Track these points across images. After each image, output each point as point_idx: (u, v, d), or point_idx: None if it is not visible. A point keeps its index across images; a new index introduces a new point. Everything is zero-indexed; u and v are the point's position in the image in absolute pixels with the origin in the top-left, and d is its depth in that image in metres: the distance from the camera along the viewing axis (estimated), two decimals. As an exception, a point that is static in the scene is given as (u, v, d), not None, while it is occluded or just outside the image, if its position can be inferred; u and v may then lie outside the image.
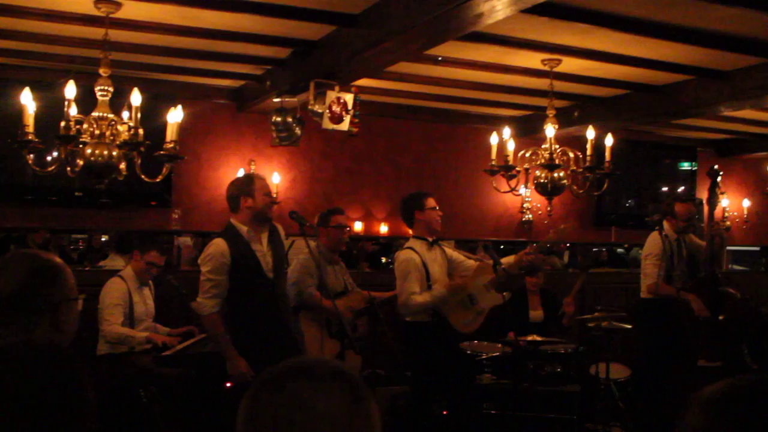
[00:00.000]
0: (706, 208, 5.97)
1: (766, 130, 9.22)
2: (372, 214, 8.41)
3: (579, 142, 6.35)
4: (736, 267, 11.25)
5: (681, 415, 1.18)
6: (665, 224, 6.03)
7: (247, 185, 4.28)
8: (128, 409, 4.76)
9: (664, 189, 10.50)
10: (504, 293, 4.94)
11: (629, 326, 5.45)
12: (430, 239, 5.06)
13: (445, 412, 4.90)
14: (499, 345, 5.38)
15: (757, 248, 11.52)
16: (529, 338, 5.48)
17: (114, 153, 4.40)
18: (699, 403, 1.16)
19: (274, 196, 7.58)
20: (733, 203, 10.56)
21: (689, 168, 10.55)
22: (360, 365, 5.30)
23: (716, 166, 5.93)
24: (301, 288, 4.96)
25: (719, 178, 5.85)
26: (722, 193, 6.06)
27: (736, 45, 5.51)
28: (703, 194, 9.85)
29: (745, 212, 10.68)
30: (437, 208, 5.06)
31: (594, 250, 11.48)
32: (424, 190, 5.49)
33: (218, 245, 4.20)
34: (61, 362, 1.32)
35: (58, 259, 1.99)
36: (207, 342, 4.99)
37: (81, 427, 1.29)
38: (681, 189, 10.49)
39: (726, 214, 10.40)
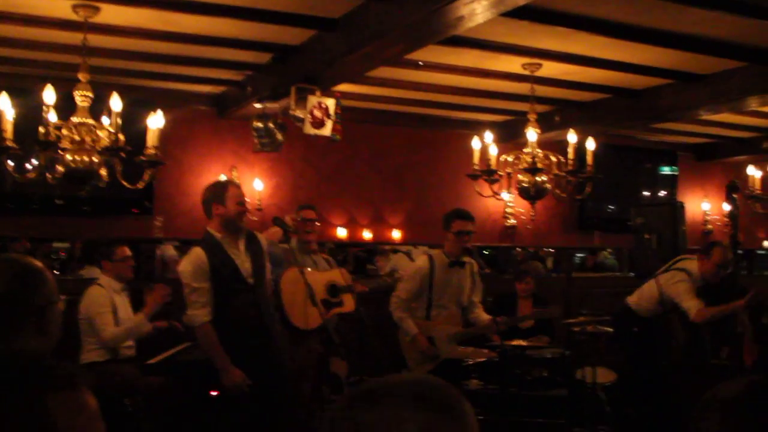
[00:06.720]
0: (727, 220, 5.84)
1: (744, 134, 9.32)
2: (355, 221, 8.38)
3: (560, 147, 6.38)
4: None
5: (697, 415, 1.15)
6: (695, 263, 5.53)
7: (220, 192, 4.22)
8: (113, 418, 4.68)
9: (646, 193, 10.56)
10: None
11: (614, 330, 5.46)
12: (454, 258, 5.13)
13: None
14: (486, 350, 5.36)
15: (738, 252, 11.59)
16: (515, 342, 5.47)
17: (94, 159, 4.36)
18: (717, 404, 1.14)
19: (257, 203, 7.62)
20: (714, 207, 10.64)
21: (670, 172, 10.63)
22: (346, 372, 5.28)
23: (735, 180, 5.76)
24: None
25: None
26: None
27: (713, 48, 5.57)
28: (684, 197, 9.96)
29: (726, 216, 10.76)
30: (464, 231, 5.09)
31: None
32: (458, 207, 5.64)
33: (195, 253, 4.16)
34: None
35: (38, 263, 1.96)
36: (192, 350, 4.93)
37: None
38: (663, 193, 10.55)
39: (707, 218, 10.49)
